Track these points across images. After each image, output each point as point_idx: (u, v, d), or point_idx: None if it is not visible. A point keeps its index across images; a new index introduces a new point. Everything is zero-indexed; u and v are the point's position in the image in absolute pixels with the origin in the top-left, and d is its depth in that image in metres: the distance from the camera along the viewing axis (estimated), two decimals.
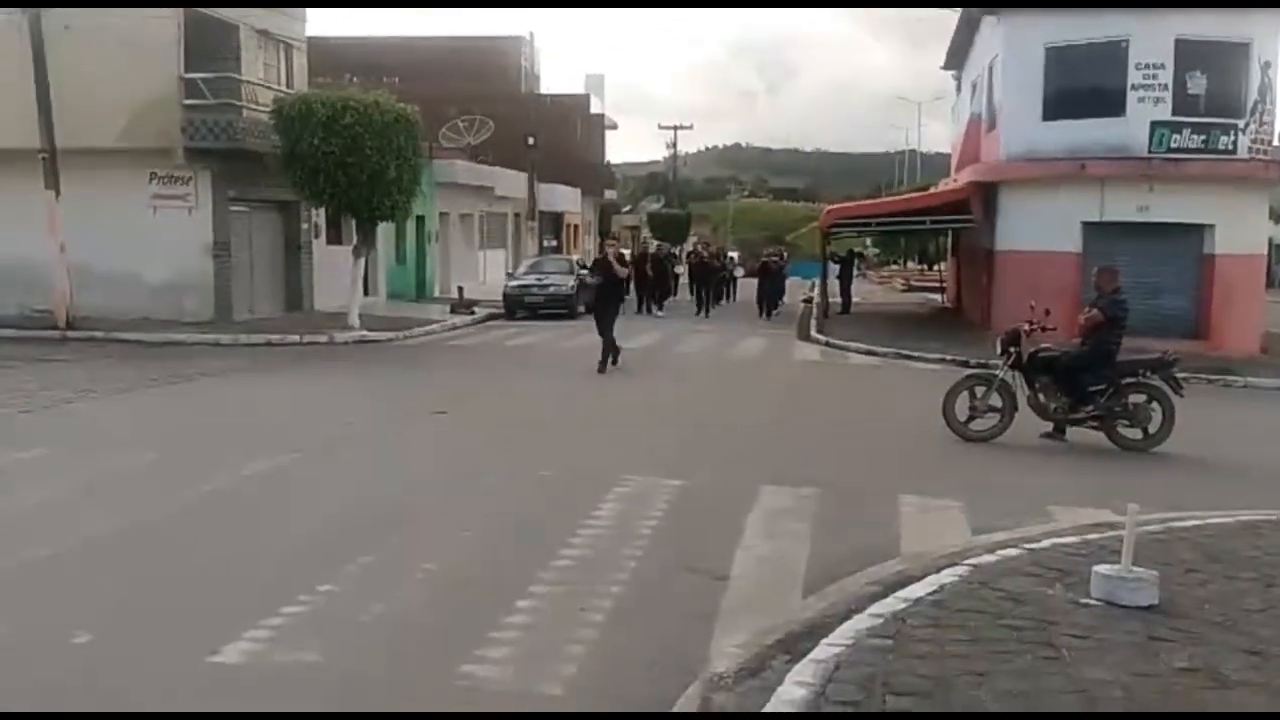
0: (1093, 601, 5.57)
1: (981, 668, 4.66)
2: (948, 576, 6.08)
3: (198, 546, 6.75)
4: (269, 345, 19.30)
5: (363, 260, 22.34)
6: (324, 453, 9.84)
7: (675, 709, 4.47)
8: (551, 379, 16.06)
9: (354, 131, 19.69)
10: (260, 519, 7.46)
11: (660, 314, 29.36)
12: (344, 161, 19.71)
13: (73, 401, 12.62)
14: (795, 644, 5.12)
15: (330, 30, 45.62)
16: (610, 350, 16.30)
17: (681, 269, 36.73)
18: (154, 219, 21.43)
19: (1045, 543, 6.90)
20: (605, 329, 16.31)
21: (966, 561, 6.40)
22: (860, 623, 5.30)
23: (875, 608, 5.53)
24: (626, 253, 33.63)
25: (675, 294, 34.04)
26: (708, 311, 29.97)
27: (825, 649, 4.93)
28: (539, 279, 27.76)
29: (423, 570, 6.22)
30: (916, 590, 5.83)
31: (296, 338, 19.95)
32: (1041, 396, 11.32)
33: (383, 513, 7.59)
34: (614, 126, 57.17)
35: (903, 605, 5.54)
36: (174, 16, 20.53)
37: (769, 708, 4.37)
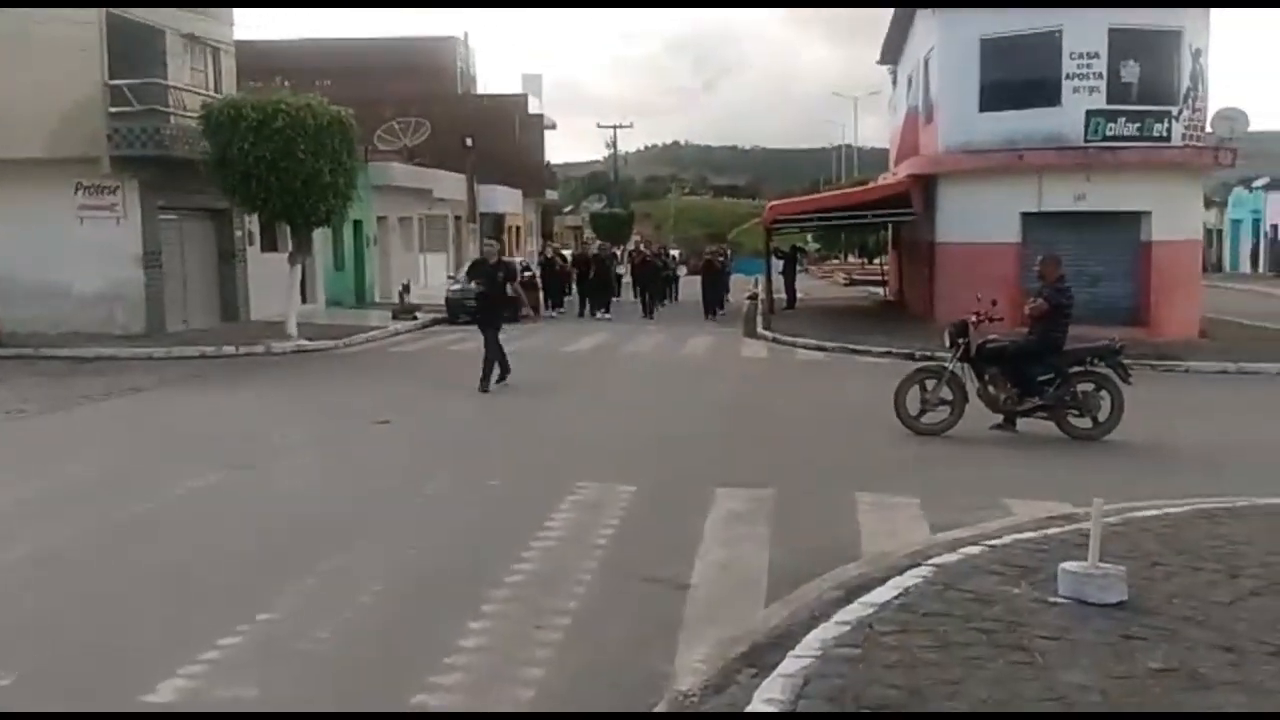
0: (1061, 600, 5.46)
1: (954, 675, 4.50)
2: (911, 578, 5.94)
3: (126, 574, 6.40)
4: (204, 357, 18.79)
5: (299, 267, 21.84)
6: (260, 468, 9.49)
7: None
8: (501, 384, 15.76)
9: (286, 135, 19.16)
10: (193, 542, 7.10)
11: (605, 316, 28.51)
12: (276, 166, 19.17)
13: None
14: (761, 656, 4.94)
15: (260, 34, 44.74)
16: (492, 365, 14.40)
17: (623, 269, 36.55)
18: (81, 230, 20.78)
19: (1006, 539, 6.79)
20: (489, 341, 14.51)
21: (929, 562, 6.26)
22: (826, 631, 5.13)
23: (840, 614, 5.36)
24: (568, 253, 33.41)
25: (619, 295, 33.81)
26: (652, 312, 29.24)
27: (792, 661, 4.75)
28: (480, 283, 27.38)
29: (368, 592, 5.95)
30: (881, 594, 5.68)
31: (232, 349, 19.44)
32: (991, 388, 11.28)
33: (324, 531, 7.29)
34: (553, 126, 56.84)
35: (868, 611, 5.38)
36: (95, 22, 19.88)
37: None
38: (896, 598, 5.61)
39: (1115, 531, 6.75)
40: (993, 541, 6.70)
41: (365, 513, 7.82)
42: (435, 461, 9.73)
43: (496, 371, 14.55)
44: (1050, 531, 6.98)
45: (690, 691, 4.55)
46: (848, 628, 5.16)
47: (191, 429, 11.74)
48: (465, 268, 30.75)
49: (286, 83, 20.80)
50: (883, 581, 5.96)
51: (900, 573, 6.10)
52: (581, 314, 28.83)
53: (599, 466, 9.37)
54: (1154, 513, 7.53)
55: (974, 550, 6.53)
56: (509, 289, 15.10)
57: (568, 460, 9.73)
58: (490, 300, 14.94)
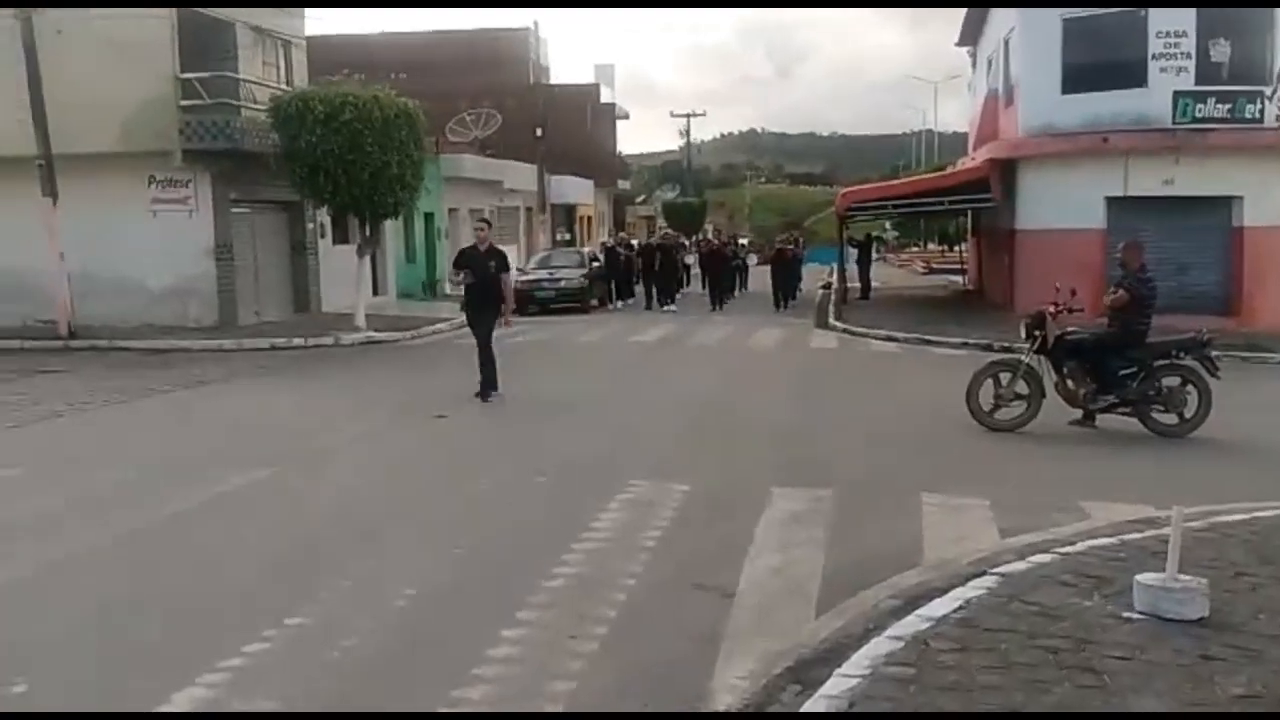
0: (1135, 615, 5.04)
1: (1014, 701, 4.14)
2: (974, 589, 5.56)
3: (157, 575, 6.27)
4: (273, 349, 18.89)
5: (367, 259, 21.91)
6: (312, 463, 9.38)
7: None
8: (559, 376, 15.57)
9: (354, 128, 19.20)
10: (232, 541, 6.97)
11: (670, 308, 27.64)
12: (344, 159, 19.23)
13: (63, 415, 12.21)
14: (807, 672, 4.61)
15: (335, 29, 45.25)
16: (488, 371, 12.64)
17: (692, 259, 36.06)
18: (154, 223, 21.04)
19: (1080, 545, 6.37)
20: (482, 343, 12.63)
21: (995, 570, 5.87)
22: (879, 646, 4.78)
23: (895, 628, 5.01)
24: (636, 242, 33.01)
25: (687, 285, 33.34)
26: (720, 304, 28.31)
27: (839, 680, 4.43)
28: (550, 273, 27.33)
29: (403, 596, 5.73)
30: (940, 606, 5.31)
31: (301, 341, 19.54)
32: (1069, 382, 10.75)
33: (366, 529, 7.12)
34: (625, 116, 56.60)
35: (925, 625, 5.02)
36: (167, 16, 20.07)
37: None
38: (957, 610, 5.24)
39: (1198, 538, 6.30)
40: (1065, 548, 6.28)
41: (411, 511, 7.64)
42: (488, 457, 9.53)
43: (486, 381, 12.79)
44: (1128, 537, 6.54)
45: (727, 712, 4.25)
46: (902, 643, 4.81)
47: (248, 423, 11.69)
48: (533, 259, 30.81)
49: (359, 76, 20.70)
50: (944, 591, 5.59)
51: (963, 582, 5.72)
52: (648, 306, 28.08)
53: (653, 463, 9.08)
54: (1241, 517, 7.03)
55: (1044, 558, 6.11)
56: (503, 284, 12.78)
57: (622, 456, 9.46)
58: (480, 296, 12.75)
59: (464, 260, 12.75)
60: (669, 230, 39.55)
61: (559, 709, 4.44)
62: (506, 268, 12.82)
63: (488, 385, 12.54)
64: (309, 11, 24.95)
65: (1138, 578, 5.20)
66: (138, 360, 17.42)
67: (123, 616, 5.57)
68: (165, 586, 6.05)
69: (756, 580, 6.05)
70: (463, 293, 13.20)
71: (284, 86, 22.54)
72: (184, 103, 20.48)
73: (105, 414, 12.38)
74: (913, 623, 5.09)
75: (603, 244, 34.00)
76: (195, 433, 11.15)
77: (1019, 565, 5.97)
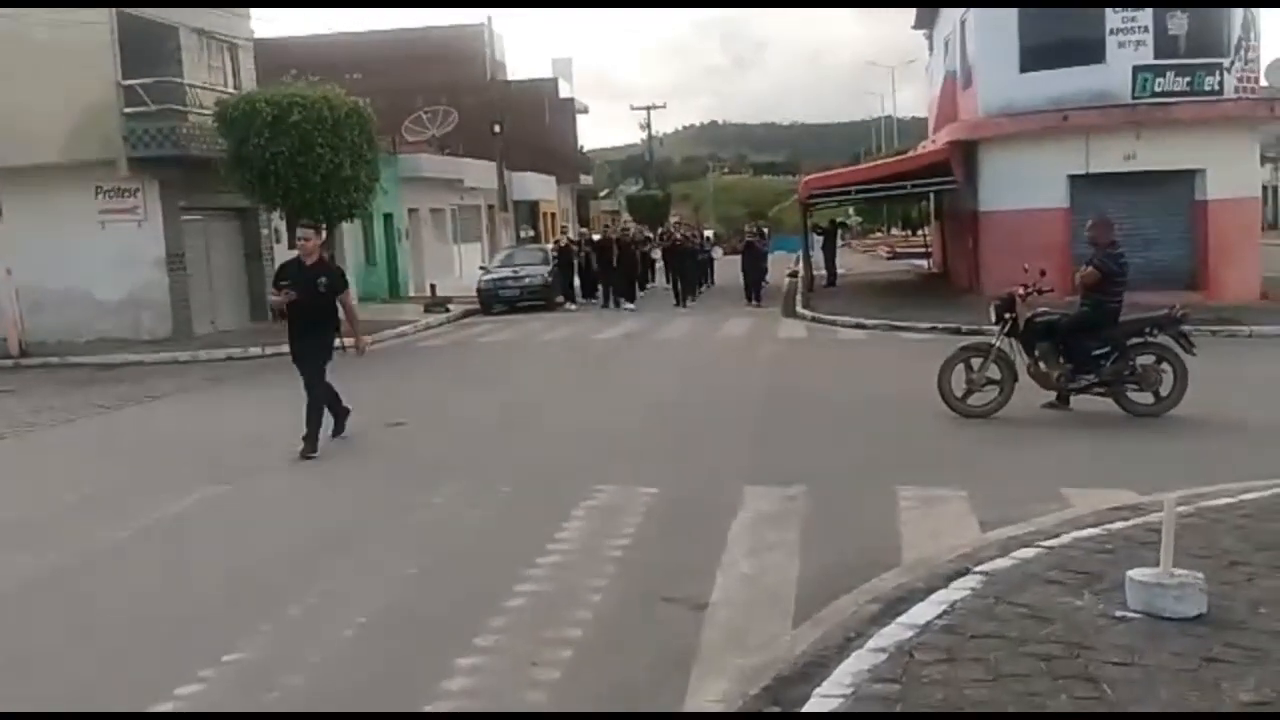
0: (1130, 614, 4.76)
1: None
2: (957, 590, 5.27)
3: (88, 611, 5.88)
4: (229, 360, 18.43)
5: None
6: (262, 481, 8.97)
7: None
8: (524, 377, 15.23)
9: (303, 129, 18.76)
10: (170, 571, 6.57)
11: (629, 306, 26.10)
12: (294, 161, 18.78)
13: (5, 437, 11.74)
14: (785, 691, 4.31)
15: (286, 31, 44.57)
16: (320, 412, 9.84)
17: (658, 254, 35.23)
18: (103, 234, 20.50)
19: (1064, 537, 6.09)
20: (310, 377, 9.88)
21: (978, 569, 5.58)
22: (860, 660, 4.47)
23: (876, 638, 4.70)
24: (597, 238, 32.26)
25: (653, 281, 32.59)
26: (685, 300, 26.85)
27: (820, 701, 4.12)
28: (514, 271, 26.85)
29: (352, 625, 5.36)
30: (922, 611, 5.01)
31: (258, 350, 19.03)
32: (1042, 364, 10.50)
33: (317, 550, 6.74)
34: (585, 110, 56.26)
35: (908, 634, 4.71)
36: (106, 21, 19.51)
37: None
38: (940, 615, 4.95)
39: (1186, 524, 6.03)
40: (1049, 541, 6.01)
41: (364, 529, 7.26)
42: (447, 467, 9.14)
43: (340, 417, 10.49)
44: (1114, 526, 6.28)
45: (727, 712, 3.94)
46: (884, 655, 4.51)
47: (197, 439, 11.24)
48: (496, 257, 30.30)
49: (315, 77, 20.19)
50: (926, 594, 5.30)
51: (945, 582, 5.44)
52: (606, 305, 26.68)
53: (620, 466, 8.76)
54: (1228, 500, 6.80)
55: (1028, 553, 5.84)
56: (341, 305, 10.18)
57: (587, 460, 9.12)
58: (306, 321, 9.78)
59: (285, 275, 9.85)
60: (628, 224, 38.57)
61: None
62: (343, 285, 10.05)
63: (314, 436, 9.60)
64: (258, 14, 24.48)
65: (1130, 573, 4.92)
66: (88, 377, 16.91)
67: (47, 656, 5.18)
68: (95, 623, 5.67)
69: (729, 590, 5.74)
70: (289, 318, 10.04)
71: (231, 90, 22.02)
72: (128, 110, 19.97)
73: (49, 436, 11.92)
74: (894, 631, 4.79)
75: (555, 241, 32.34)
76: (140, 452, 10.70)
77: (1002, 562, 5.69)
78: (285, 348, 18.90)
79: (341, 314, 10.25)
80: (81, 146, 19.70)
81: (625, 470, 8.56)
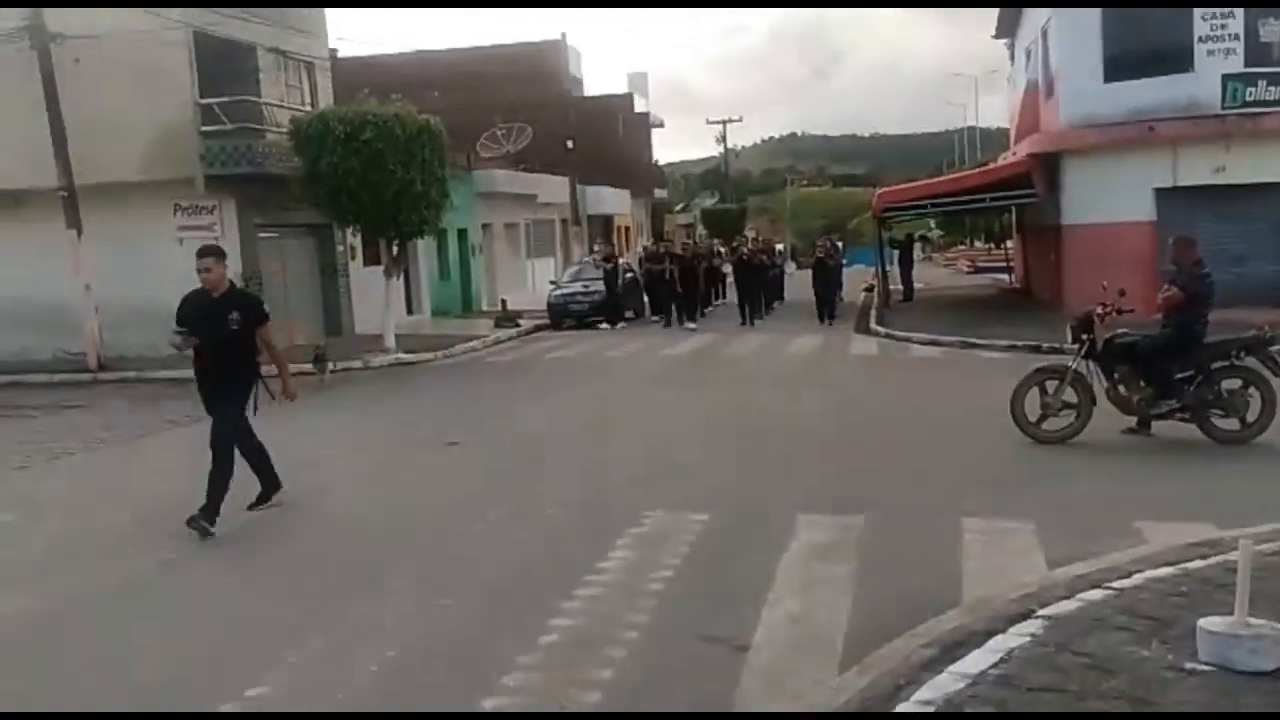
0: (1200, 666, 4.41)
1: None
2: (1016, 636, 4.94)
3: (124, 636, 5.82)
4: (300, 374, 18.49)
5: (395, 280, 21.55)
6: (312, 499, 8.90)
7: None
8: (588, 393, 15.07)
9: (375, 147, 18.86)
10: (209, 593, 6.51)
11: (691, 325, 24.46)
12: (367, 179, 18.89)
13: (75, 454, 11.91)
14: None
15: (365, 50, 45.20)
16: (227, 477, 7.98)
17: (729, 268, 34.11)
18: (181, 251, 20.68)
19: (1135, 578, 5.71)
20: (217, 432, 8.10)
21: (1041, 612, 5.24)
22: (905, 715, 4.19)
23: (925, 690, 4.40)
24: (634, 254, 31.12)
25: (723, 297, 31.24)
26: (753, 319, 25.12)
27: None
28: (584, 285, 26.72)
29: (379, 659, 5.21)
30: (978, 660, 4.70)
31: (331, 365, 19.18)
32: (1121, 388, 10.03)
33: (354, 576, 6.62)
34: (660, 124, 56.15)
35: (960, 685, 4.41)
36: (184, 41, 19.85)
37: None
38: (996, 665, 4.63)
39: (1268, 564, 5.63)
40: (1120, 582, 5.64)
41: (404, 555, 7.12)
42: (497, 488, 8.99)
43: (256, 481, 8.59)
44: (1190, 566, 5.89)
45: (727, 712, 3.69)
46: (931, 709, 4.22)
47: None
48: (567, 272, 30.09)
49: (397, 96, 20.34)
50: (984, 638, 4.98)
51: (1005, 626, 5.11)
52: (667, 324, 24.95)
53: (672, 490, 8.52)
54: None
55: (1096, 594, 5.48)
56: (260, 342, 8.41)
57: (639, 483, 8.90)
58: (216, 366, 8.21)
59: (186, 313, 8.37)
60: (689, 238, 37.10)
61: None
62: (261, 317, 8.39)
63: (214, 506, 7.80)
64: (340, 33, 24.82)
65: (1201, 622, 4.55)
66: (164, 392, 17.13)
67: (62, 688, 5.10)
68: (123, 648, 5.60)
69: (774, 629, 5.47)
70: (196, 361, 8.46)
71: (307, 109, 22.27)
72: (205, 128, 20.28)
73: (120, 451, 12.07)
74: (945, 682, 4.49)
75: (594, 255, 29.81)
76: (202, 471, 10.71)
77: (1068, 605, 5.34)
78: (357, 361, 19.49)
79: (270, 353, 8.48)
80: (160, 165, 20.05)
81: (676, 494, 8.33)
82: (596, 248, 32.01)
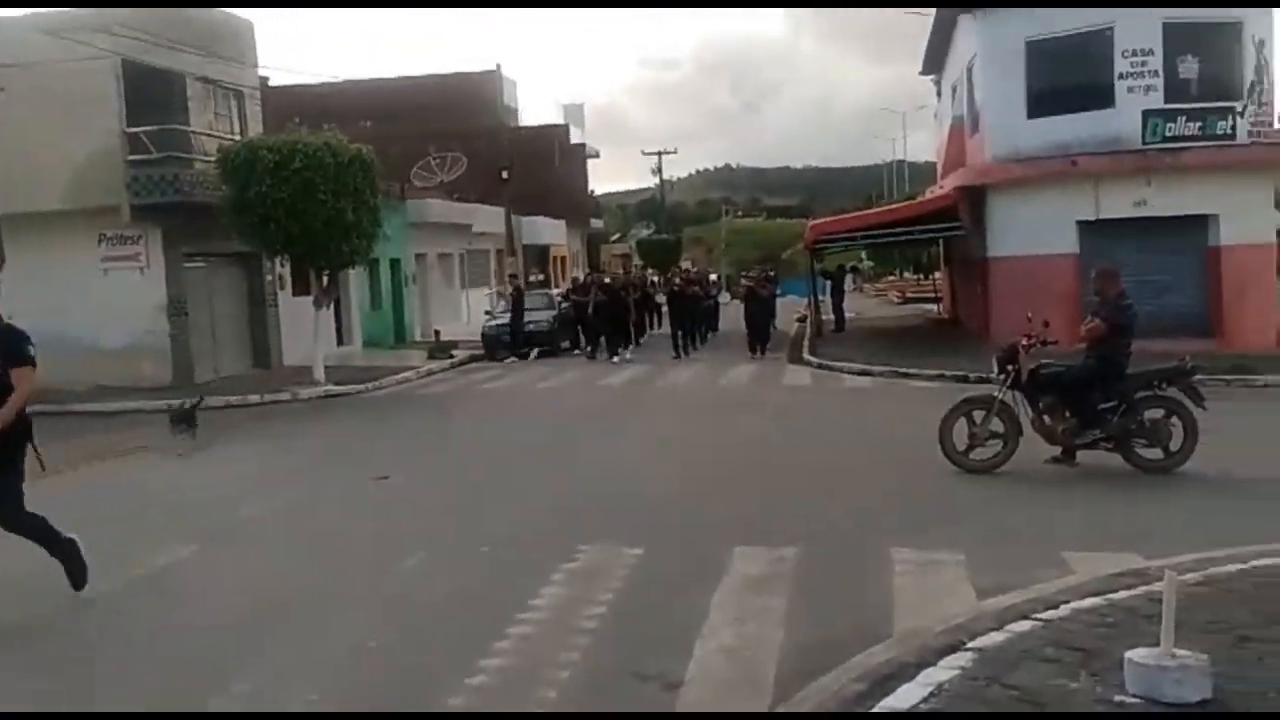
0: (1129, 699, 4.43)
1: None
2: (946, 669, 4.95)
3: (13, 692, 5.54)
4: (228, 407, 18.19)
5: (325, 310, 21.27)
6: (233, 539, 8.66)
7: None
8: (521, 425, 14.96)
9: (304, 176, 18.64)
10: (117, 641, 6.24)
11: (618, 359, 23.78)
12: (295, 208, 18.65)
13: None
14: None
15: (296, 79, 44.80)
16: (57, 545, 6.95)
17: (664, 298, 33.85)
18: (106, 281, 20.45)
19: (1063, 608, 5.76)
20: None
21: (970, 644, 5.26)
22: None
23: None
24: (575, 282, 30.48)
25: (657, 327, 31.01)
26: (685, 350, 24.61)
27: None
28: (521, 316, 26.54)
29: (303, 701, 5.07)
30: (908, 694, 4.69)
31: (257, 397, 18.87)
32: (1047, 418, 10.19)
33: (275, 621, 6.41)
34: (595, 155, 56.36)
35: None
36: (111, 69, 19.52)
37: None
38: (927, 698, 4.63)
39: (1193, 594, 5.72)
40: (1048, 613, 5.68)
41: (329, 595, 6.91)
42: (430, 524, 8.84)
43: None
44: (1117, 596, 5.95)
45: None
46: None
47: (177, 493, 10.88)
48: (502, 302, 29.90)
49: (329, 126, 20.14)
50: (915, 670, 4.98)
51: (935, 658, 5.12)
52: (593, 355, 24.38)
53: (606, 524, 8.46)
54: (1239, 566, 6.45)
55: (1025, 626, 5.51)
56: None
57: (573, 517, 8.82)
58: None
59: None
60: (623, 269, 35.88)
61: None
62: (19, 358, 6.60)
63: (78, 576, 6.96)
64: (270, 62, 24.51)
65: (1129, 655, 4.58)
66: (82, 425, 16.67)
67: None
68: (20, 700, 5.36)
69: (706, 665, 5.42)
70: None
71: (237, 138, 21.98)
72: (132, 157, 19.95)
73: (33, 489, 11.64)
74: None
75: (508, 285, 29.26)
76: (118, 507, 10.37)
77: (996, 637, 5.36)
78: (285, 394, 19.19)
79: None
80: (85, 193, 19.66)
81: (611, 528, 8.27)
82: (510, 276, 31.78)
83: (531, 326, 25.87)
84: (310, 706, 5.03)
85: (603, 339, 24.70)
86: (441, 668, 5.45)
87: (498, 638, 5.83)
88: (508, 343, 25.76)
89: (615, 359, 23.74)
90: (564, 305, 27.41)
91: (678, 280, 27.55)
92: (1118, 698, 4.46)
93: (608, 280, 26.48)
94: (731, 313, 33.80)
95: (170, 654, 5.92)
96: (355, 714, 4.01)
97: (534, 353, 25.35)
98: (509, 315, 26.54)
